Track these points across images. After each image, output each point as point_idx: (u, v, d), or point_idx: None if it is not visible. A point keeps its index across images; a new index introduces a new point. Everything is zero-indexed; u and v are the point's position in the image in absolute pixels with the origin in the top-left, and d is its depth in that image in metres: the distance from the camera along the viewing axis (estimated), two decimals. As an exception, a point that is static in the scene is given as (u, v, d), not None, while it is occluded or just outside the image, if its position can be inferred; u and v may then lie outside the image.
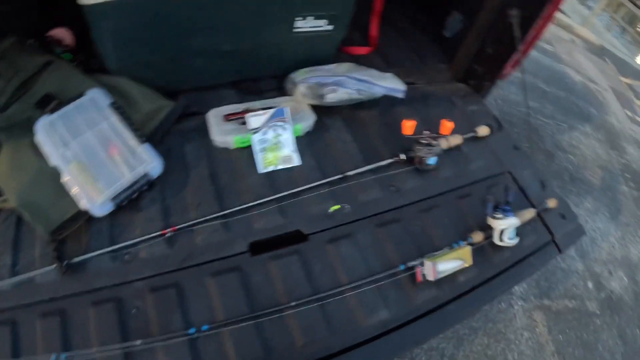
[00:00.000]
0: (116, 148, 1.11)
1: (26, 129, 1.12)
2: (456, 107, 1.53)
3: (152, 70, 1.25)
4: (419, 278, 1.04)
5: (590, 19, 5.79)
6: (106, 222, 1.06)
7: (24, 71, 1.24)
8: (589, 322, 2.13)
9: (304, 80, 1.26)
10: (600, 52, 5.13)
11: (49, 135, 1.09)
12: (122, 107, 1.17)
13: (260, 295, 0.99)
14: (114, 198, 1.06)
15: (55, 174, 1.06)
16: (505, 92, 3.25)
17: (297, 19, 1.25)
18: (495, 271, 1.15)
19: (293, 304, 0.96)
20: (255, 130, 1.22)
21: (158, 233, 1.02)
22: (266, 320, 0.95)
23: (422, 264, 1.04)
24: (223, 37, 1.22)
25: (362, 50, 1.63)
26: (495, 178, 1.34)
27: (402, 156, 1.23)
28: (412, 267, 1.05)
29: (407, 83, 1.50)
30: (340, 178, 1.17)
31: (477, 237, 1.13)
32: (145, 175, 1.11)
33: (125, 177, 1.09)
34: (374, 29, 1.64)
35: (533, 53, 3.98)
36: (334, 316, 1.00)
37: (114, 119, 1.15)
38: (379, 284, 1.04)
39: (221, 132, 1.22)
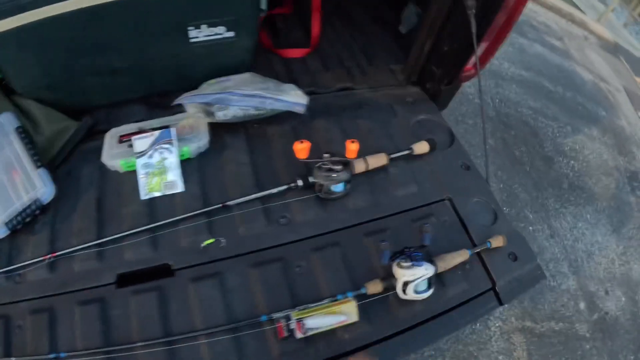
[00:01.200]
0: (17, 172, 0.96)
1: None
2: (396, 116, 1.13)
3: (55, 91, 1.07)
4: (282, 333, 0.74)
5: (606, 14, 4.83)
6: (6, 243, 0.94)
7: (-53, 90, 1.18)
8: (577, 347, 1.67)
9: (189, 99, 0.96)
10: (614, 50, 4.28)
11: (-43, 160, 0.99)
12: (27, 132, 1.04)
13: (115, 330, 0.82)
14: (7, 222, 0.92)
15: (-40, 196, 1.00)
16: (506, 90, 2.68)
17: (189, 28, 0.97)
18: (395, 329, 0.79)
19: (140, 344, 0.77)
20: (141, 154, 0.96)
21: (40, 258, 0.88)
22: (118, 357, 0.77)
23: (287, 318, 0.73)
24: (110, 55, 1.00)
25: (297, 53, 1.28)
26: (429, 207, 0.95)
27: (300, 182, 0.89)
28: (276, 320, 0.75)
29: (344, 88, 1.18)
30: (220, 207, 0.87)
31: (374, 287, 0.78)
32: (37, 200, 0.94)
33: (20, 201, 0.94)
34: (314, 28, 1.28)
35: (539, 49, 3.40)
36: (182, 363, 0.82)
37: (17, 144, 1.00)
38: (237, 334, 0.77)
39: (110, 155, 1.00)
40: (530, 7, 3.51)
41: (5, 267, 0.91)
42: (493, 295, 0.88)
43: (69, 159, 1.06)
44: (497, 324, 1.62)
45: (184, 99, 1.00)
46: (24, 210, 0.94)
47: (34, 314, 0.86)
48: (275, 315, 0.76)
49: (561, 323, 1.68)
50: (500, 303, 0.88)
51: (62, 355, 0.80)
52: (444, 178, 1.02)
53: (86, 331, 0.83)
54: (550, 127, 2.57)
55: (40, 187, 0.96)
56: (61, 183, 1.01)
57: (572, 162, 2.38)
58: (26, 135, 1.02)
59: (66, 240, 0.93)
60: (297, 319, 0.72)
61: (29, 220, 0.95)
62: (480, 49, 1.18)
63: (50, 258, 0.89)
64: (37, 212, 0.96)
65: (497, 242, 0.91)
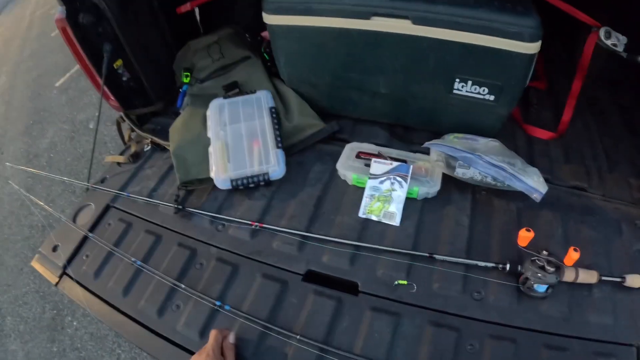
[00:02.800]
0: (258, 143, 1.43)
1: (207, 101, 1.56)
2: (621, 237, 1.30)
3: (316, 91, 1.56)
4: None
5: None
6: (224, 194, 1.45)
7: (228, 58, 1.72)
8: None
9: (439, 146, 1.31)
10: None
11: (216, 114, 1.51)
12: (278, 114, 1.50)
13: (283, 312, 1.18)
14: (233, 179, 1.41)
15: (208, 143, 1.49)
16: None
17: (456, 80, 1.32)
18: None
19: (298, 336, 1.09)
20: (374, 176, 1.34)
21: (248, 222, 1.33)
22: (273, 336, 1.14)
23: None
24: (377, 80, 1.41)
25: (543, 134, 1.56)
26: (614, 346, 1.10)
27: (508, 267, 1.15)
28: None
29: (578, 188, 1.43)
30: (426, 256, 1.19)
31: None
32: (266, 174, 1.39)
33: (251, 168, 1.40)
34: (566, 114, 1.55)
35: None
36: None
37: (267, 121, 1.48)
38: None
39: (345, 165, 1.40)
40: None
41: (215, 214, 1.36)
42: None
43: (305, 152, 1.51)
44: None
45: (434, 145, 1.31)
46: (252, 176, 1.38)
47: (219, 261, 1.27)
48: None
49: None
50: None
51: (227, 307, 1.13)
52: (641, 322, 1.11)
53: (257, 300, 1.16)
54: None
55: (273, 164, 1.39)
56: (291, 169, 1.44)
57: None
58: (277, 116, 1.48)
59: (276, 218, 1.33)
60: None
61: (251, 187, 1.41)
62: None
63: (256, 226, 1.30)
64: (262, 183, 1.40)
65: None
